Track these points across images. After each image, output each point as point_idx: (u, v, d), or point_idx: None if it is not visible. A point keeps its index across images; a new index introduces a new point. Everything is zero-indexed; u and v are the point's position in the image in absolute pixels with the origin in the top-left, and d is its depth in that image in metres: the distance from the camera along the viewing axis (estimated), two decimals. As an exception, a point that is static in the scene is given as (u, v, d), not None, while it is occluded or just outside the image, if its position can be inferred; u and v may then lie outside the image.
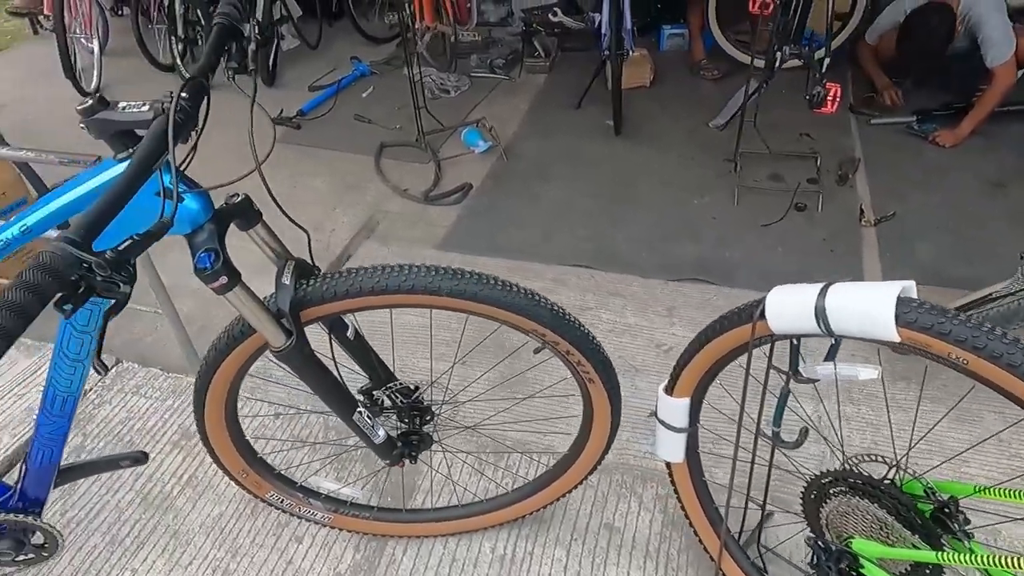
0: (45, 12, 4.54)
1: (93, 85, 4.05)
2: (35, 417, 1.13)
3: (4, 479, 1.20)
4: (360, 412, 1.16)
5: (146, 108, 0.84)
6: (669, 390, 1.26)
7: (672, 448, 1.31)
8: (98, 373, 0.73)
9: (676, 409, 1.26)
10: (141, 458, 1.31)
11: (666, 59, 3.92)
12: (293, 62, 4.24)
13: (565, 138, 3.33)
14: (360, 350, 1.23)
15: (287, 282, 1.01)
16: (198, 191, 0.91)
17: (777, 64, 2.55)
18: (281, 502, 1.43)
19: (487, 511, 1.52)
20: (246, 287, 0.97)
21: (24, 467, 1.16)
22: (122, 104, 0.84)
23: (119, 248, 0.67)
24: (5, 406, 1.99)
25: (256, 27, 0.99)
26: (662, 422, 1.29)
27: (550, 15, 4.23)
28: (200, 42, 4.04)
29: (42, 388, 2.03)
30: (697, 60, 3.73)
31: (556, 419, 1.81)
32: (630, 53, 3.17)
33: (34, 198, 2.60)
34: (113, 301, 0.67)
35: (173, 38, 4.07)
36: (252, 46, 0.98)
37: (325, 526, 1.52)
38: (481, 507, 1.53)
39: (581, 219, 2.78)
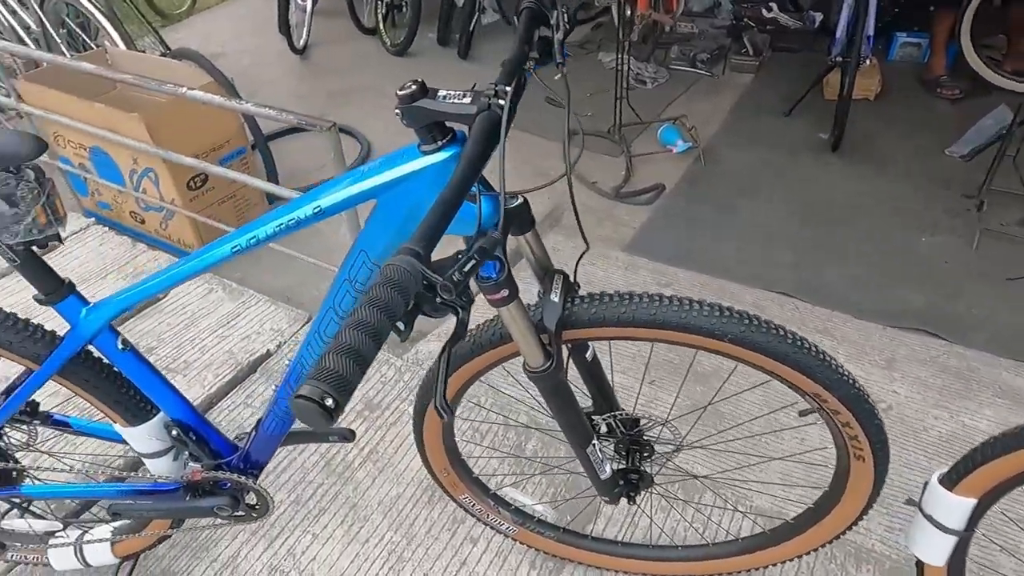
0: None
1: (302, 42, 4.25)
2: (274, 389, 1.13)
3: (232, 438, 1.23)
4: (595, 445, 1.06)
5: (467, 100, 0.76)
6: (949, 484, 1.06)
7: (935, 549, 1.11)
8: (441, 417, 0.66)
9: (954, 508, 1.05)
10: (349, 436, 1.29)
11: (895, 70, 3.49)
12: (489, 36, 4.23)
13: (772, 148, 3.06)
14: (594, 373, 1.13)
15: (555, 299, 0.92)
16: (491, 193, 0.83)
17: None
18: (472, 506, 1.38)
19: (681, 559, 1.39)
20: (520, 302, 0.89)
21: (254, 432, 1.17)
22: (442, 93, 0.77)
23: (464, 269, 0.60)
24: (209, 345, 2.11)
25: (565, 13, 0.89)
26: (929, 518, 1.09)
27: (763, 9, 3.92)
28: (404, 8, 4.12)
29: (243, 332, 2.15)
30: (936, 75, 3.29)
31: (785, 485, 1.63)
32: (866, 61, 2.83)
33: (250, 146, 2.74)
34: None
35: (379, 2, 4.18)
36: (560, 35, 0.88)
37: (509, 538, 1.46)
38: (675, 553, 1.40)
39: (784, 241, 2.53)
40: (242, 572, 1.52)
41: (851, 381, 0.96)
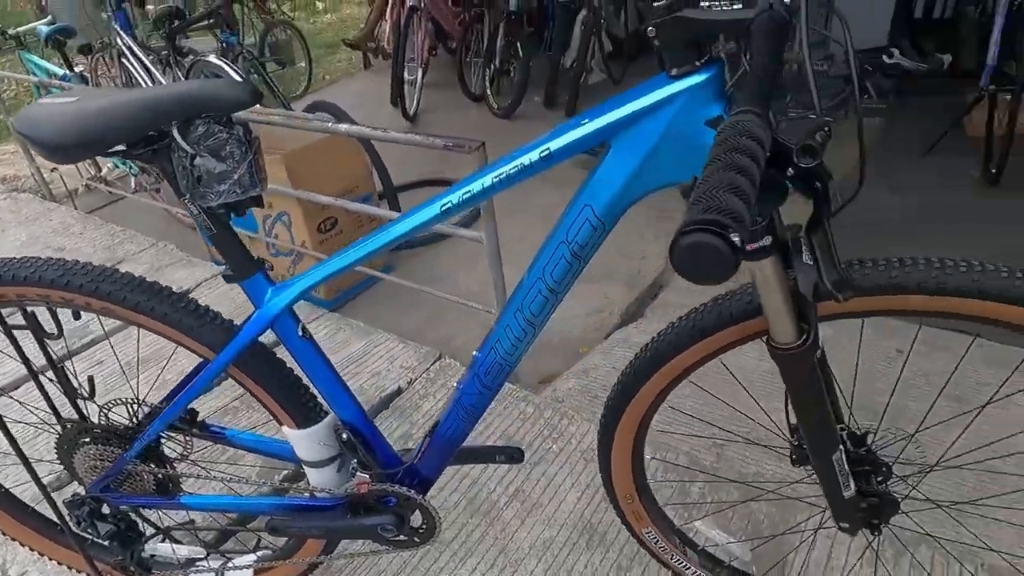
0: (384, 45, 5.13)
1: (412, 109, 4.42)
2: (456, 385, 1.02)
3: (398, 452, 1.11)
4: (841, 451, 0.88)
5: (739, 5, 0.66)
6: None
7: None
8: (837, 299, 0.55)
9: None
10: (517, 455, 1.16)
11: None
12: (595, 96, 4.27)
13: (920, 191, 2.84)
14: (822, 373, 0.96)
15: (808, 261, 0.77)
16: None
17: None
18: (656, 543, 1.19)
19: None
20: (778, 262, 0.75)
21: (427, 440, 1.05)
22: (704, 2, 0.67)
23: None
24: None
25: None
26: None
27: (884, 56, 3.77)
28: (511, 73, 4.24)
29: (373, 370, 2.08)
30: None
31: None
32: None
33: (377, 195, 2.77)
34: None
35: (487, 69, 4.32)
36: None
37: (695, 586, 1.25)
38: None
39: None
40: (386, 618, 1.37)
41: None
